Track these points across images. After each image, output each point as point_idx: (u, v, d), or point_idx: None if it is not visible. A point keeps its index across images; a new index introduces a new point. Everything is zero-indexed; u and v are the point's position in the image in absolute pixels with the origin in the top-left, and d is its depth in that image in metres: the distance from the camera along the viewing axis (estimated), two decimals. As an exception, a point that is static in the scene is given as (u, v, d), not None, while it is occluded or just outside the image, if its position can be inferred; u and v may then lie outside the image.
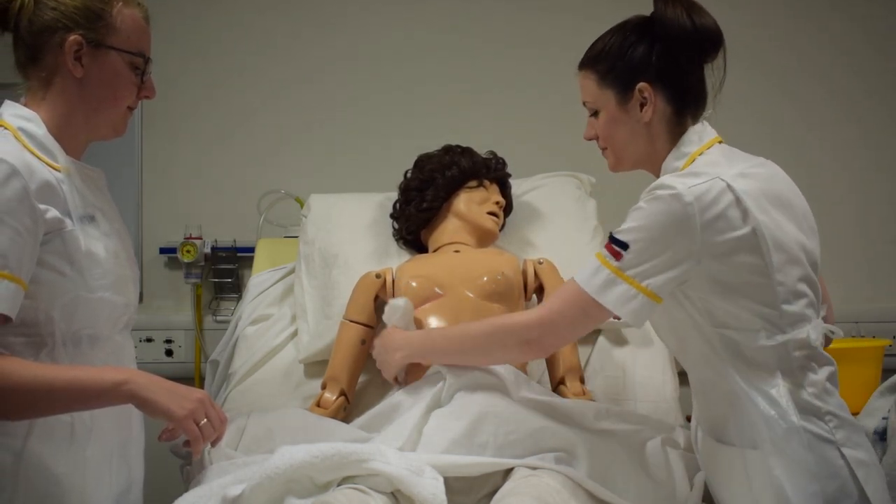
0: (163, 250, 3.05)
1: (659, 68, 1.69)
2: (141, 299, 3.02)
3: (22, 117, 1.62)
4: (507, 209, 2.46)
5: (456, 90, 3.08)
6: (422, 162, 2.42)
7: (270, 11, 3.10)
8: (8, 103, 1.67)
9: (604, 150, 1.81)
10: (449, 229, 2.34)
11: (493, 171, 2.40)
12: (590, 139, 1.81)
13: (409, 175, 2.43)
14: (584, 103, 1.80)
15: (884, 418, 2.00)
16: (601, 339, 2.36)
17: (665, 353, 2.35)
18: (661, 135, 1.72)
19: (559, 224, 2.50)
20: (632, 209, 1.64)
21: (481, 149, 2.44)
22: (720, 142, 1.72)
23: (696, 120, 1.73)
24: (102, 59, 1.66)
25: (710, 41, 1.68)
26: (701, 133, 1.71)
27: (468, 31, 3.11)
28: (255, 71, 3.10)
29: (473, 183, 2.36)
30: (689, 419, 2.34)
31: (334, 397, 2.16)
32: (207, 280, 3.06)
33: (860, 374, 2.30)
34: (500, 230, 2.40)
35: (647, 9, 1.74)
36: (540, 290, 2.25)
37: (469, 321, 1.98)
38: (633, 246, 1.59)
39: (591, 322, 1.70)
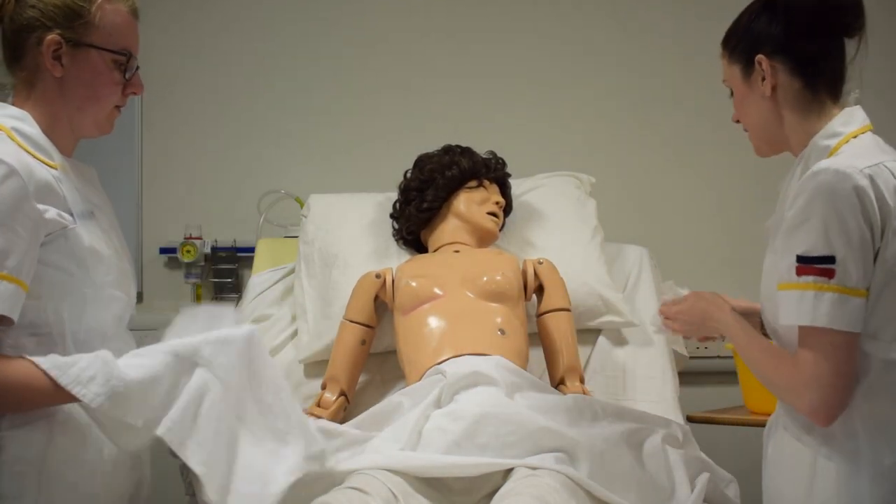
0: (163, 250, 3.05)
1: (778, 40, 1.62)
2: (141, 299, 3.06)
3: (13, 117, 1.60)
4: (507, 209, 2.46)
5: (456, 90, 3.08)
6: (422, 162, 2.42)
7: (270, 12, 3.10)
8: None
9: (747, 132, 1.74)
10: (449, 229, 2.34)
11: (492, 171, 2.40)
12: (736, 122, 1.74)
13: (409, 175, 2.43)
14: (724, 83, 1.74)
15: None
16: (601, 339, 2.35)
17: (665, 353, 2.35)
18: (792, 111, 1.64)
19: (559, 224, 2.50)
20: (804, 211, 1.50)
21: (481, 149, 2.44)
22: (871, 130, 1.63)
23: (835, 97, 1.63)
24: (83, 58, 1.62)
25: (838, 12, 1.61)
26: (852, 115, 1.61)
27: (468, 31, 3.11)
28: (255, 71, 3.10)
29: (473, 183, 2.36)
30: (689, 419, 2.36)
31: (334, 397, 2.16)
32: (207, 280, 3.06)
33: (861, 374, 2.29)
34: (500, 230, 2.40)
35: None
36: (540, 290, 2.25)
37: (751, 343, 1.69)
38: (838, 256, 1.47)
39: (850, 357, 1.49)
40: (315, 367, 2.32)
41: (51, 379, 1.45)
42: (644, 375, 2.29)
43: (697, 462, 1.91)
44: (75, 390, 1.45)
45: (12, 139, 1.56)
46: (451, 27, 3.11)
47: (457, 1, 3.11)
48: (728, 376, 2.58)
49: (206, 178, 3.09)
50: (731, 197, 3.06)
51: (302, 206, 2.82)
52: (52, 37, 1.60)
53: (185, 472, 2.02)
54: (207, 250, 3.02)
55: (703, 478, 1.83)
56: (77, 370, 1.46)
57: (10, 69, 1.66)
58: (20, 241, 1.49)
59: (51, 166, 1.58)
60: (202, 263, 3.03)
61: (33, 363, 1.46)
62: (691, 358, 2.64)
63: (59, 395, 1.46)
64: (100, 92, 1.66)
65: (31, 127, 1.60)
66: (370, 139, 3.07)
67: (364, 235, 2.49)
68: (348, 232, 2.50)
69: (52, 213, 1.54)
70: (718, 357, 2.93)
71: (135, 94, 1.71)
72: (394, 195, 2.47)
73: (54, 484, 1.54)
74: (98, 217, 1.67)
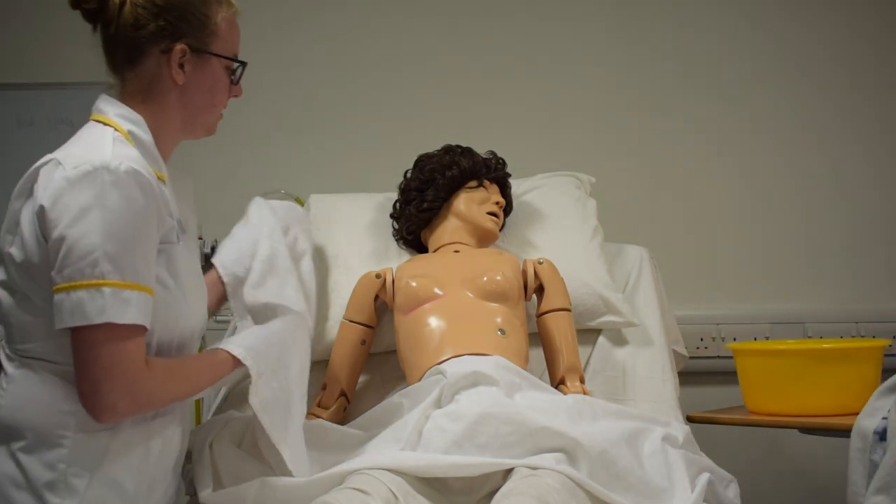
0: (163, 250, 3.05)
1: None
2: (141, 299, 3.06)
3: (129, 119, 1.59)
4: (507, 209, 2.46)
5: (456, 90, 3.09)
6: (422, 162, 2.42)
7: (270, 12, 3.10)
8: (108, 100, 1.63)
9: None
10: (449, 229, 2.34)
11: (493, 171, 2.40)
12: None
13: (409, 175, 2.43)
14: None
15: (884, 418, 1.99)
16: (601, 339, 2.35)
17: (665, 353, 2.35)
18: None
19: (559, 224, 2.50)
20: None
21: (481, 149, 2.44)
22: None
23: None
24: (203, 65, 1.66)
25: None
26: None
27: (468, 31, 3.11)
28: (255, 71, 3.07)
29: (473, 183, 2.37)
30: (689, 419, 2.36)
31: (334, 397, 2.17)
32: (207, 280, 3.06)
33: (860, 374, 2.30)
34: (500, 230, 2.40)
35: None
36: (540, 290, 2.25)
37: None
38: None
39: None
40: (315, 367, 2.31)
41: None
42: (644, 375, 2.29)
43: (697, 462, 1.91)
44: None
45: (132, 145, 1.56)
46: (451, 27, 3.11)
47: (456, 3, 3.11)
48: (728, 376, 2.58)
49: (205, 178, 3.07)
50: (731, 197, 3.06)
51: (302, 206, 2.82)
52: (180, 46, 1.62)
53: (186, 472, 2.02)
54: (208, 250, 3.01)
55: (703, 478, 1.83)
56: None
57: (116, 72, 1.65)
58: (152, 252, 1.50)
59: (160, 178, 1.58)
60: (203, 263, 3.02)
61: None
62: (691, 358, 2.64)
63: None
64: (216, 98, 1.70)
65: (146, 134, 1.60)
66: (370, 139, 3.07)
67: (364, 236, 2.49)
68: (348, 232, 2.50)
69: (168, 225, 1.56)
70: (718, 357, 2.93)
71: (236, 96, 1.76)
72: (394, 195, 2.47)
73: (104, 489, 1.53)
74: (189, 233, 1.68)
